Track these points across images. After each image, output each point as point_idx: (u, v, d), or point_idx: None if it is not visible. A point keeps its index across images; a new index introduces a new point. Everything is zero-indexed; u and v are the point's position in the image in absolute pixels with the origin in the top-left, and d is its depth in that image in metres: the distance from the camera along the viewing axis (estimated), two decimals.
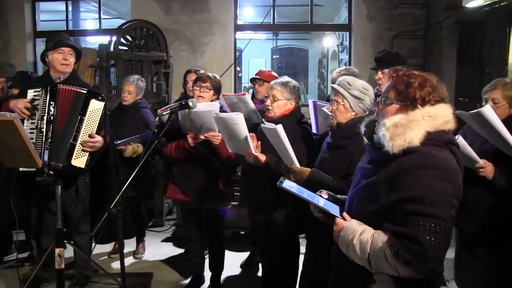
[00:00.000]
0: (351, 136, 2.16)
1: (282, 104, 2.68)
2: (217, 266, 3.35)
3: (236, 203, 4.15)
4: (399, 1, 5.54)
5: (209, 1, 5.80)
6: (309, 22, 6.35)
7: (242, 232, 4.39)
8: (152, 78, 5.18)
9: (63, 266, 2.51)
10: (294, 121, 2.69)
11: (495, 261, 2.40)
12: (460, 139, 2.23)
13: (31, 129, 2.56)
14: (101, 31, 6.42)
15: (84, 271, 3.17)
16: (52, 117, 2.55)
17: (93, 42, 7.47)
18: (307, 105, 3.11)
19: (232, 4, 5.88)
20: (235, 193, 3.66)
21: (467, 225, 2.40)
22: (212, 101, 3.03)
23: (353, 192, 1.61)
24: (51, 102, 2.56)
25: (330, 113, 2.33)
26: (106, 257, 4.00)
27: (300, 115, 2.75)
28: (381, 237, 1.40)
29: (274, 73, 3.73)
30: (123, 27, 5.35)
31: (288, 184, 1.67)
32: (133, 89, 3.83)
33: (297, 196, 1.62)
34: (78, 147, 2.58)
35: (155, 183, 4.47)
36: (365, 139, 1.65)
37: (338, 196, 1.78)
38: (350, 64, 5.91)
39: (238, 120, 2.45)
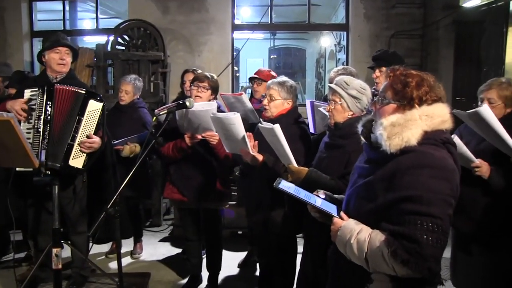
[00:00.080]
0: (349, 136, 2.16)
1: (279, 104, 2.68)
2: (215, 266, 3.35)
3: (234, 202, 4.15)
4: (396, 0, 5.55)
5: (207, 1, 5.80)
6: (307, 22, 6.34)
7: (240, 232, 4.39)
8: (150, 78, 5.17)
9: (60, 266, 2.50)
10: (291, 121, 2.69)
11: (491, 260, 2.41)
12: (456, 139, 2.23)
13: (28, 129, 2.55)
14: (98, 31, 6.42)
15: (82, 271, 3.16)
16: (49, 117, 2.55)
17: (90, 41, 7.47)
18: (305, 105, 3.11)
19: (229, 3, 5.88)
20: (233, 193, 3.66)
21: (463, 225, 2.41)
22: (209, 100, 3.02)
23: (351, 191, 1.61)
24: (48, 102, 2.55)
25: (327, 113, 2.34)
26: (103, 257, 3.99)
27: (297, 114, 2.74)
28: (379, 237, 1.40)
29: (273, 73, 3.72)
30: (121, 27, 5.33)
31: (285, 185, 1.66)
32: (130, 89, 3.81)
33: (294, 196, 1.61)
34: (76, 147, 2.57)
35: (152, 183, 4.45)
36: (362, 138, 1.65)
37: (335, 195, 1.78)
38: (347, 64, 5.92)
39: (235, 120, 2.44)
